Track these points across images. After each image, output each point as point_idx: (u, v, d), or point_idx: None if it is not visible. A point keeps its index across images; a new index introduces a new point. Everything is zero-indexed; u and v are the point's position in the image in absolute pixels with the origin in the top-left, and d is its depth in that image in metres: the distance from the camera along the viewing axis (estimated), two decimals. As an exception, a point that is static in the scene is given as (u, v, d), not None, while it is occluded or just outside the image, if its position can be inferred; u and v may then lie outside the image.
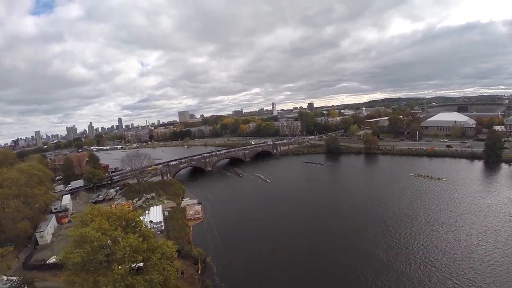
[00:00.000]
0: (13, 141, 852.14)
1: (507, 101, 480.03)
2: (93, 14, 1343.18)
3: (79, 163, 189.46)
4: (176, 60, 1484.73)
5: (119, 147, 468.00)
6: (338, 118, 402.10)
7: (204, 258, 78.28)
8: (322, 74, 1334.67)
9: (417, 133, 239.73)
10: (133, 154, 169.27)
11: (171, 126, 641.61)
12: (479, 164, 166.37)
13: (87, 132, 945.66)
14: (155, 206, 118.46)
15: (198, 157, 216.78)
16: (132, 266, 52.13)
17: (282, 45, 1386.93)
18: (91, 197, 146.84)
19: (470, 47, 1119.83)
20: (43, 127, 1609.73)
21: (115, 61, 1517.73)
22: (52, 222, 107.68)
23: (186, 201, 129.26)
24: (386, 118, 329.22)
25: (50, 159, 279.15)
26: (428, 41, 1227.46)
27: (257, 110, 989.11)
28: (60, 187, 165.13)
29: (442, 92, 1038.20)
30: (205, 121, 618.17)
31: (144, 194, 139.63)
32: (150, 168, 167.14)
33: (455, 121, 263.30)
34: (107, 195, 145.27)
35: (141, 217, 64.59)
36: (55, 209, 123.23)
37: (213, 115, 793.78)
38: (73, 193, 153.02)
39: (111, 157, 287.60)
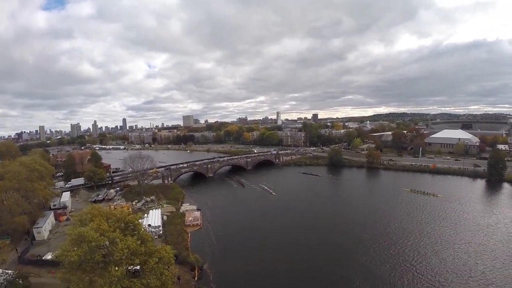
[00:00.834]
0: (16, 133, 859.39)
1: (511, 120, 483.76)
2: (104, 13, 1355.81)
3: (81, 161, 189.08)
4: (183, 64, 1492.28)
5: (121, 147, 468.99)
6: (342, 131, 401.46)
7: (201, 265, 77.60)
8: (328, 86, 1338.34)
9: (420, 149, 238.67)
10: (135, 155, 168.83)
11: (175, 130, 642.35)
12: (481, 183, 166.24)
13: (91, 130, 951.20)
14: (154, 210, 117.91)
15: (200, 162, 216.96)
16: (129, 268, 51.60)
17: (289, 55, 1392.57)
18: (91, 196, 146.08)
19: (476, 64, 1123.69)
20: (47, 122, 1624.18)
21: (123, 61, 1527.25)
22: (50, 218, 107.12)
23: (185, 207, 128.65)
24: (390, 132, 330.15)
25: (53, 154, 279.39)
26: (434, 57, 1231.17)
27: (261, 118, 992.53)
28: (60, 184, 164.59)
29: (447, 108, 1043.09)
30: (209, 126, 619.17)
31: (144, 197, 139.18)
32: (151, 171, 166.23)
33: (459, 138, 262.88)
34: (106, 195, 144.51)
35: (140, 220, 64.07)
36: (54, 205, 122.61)
37: (217, 121, 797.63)
38: (73, 190, 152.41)
39: (113, 157, 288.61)
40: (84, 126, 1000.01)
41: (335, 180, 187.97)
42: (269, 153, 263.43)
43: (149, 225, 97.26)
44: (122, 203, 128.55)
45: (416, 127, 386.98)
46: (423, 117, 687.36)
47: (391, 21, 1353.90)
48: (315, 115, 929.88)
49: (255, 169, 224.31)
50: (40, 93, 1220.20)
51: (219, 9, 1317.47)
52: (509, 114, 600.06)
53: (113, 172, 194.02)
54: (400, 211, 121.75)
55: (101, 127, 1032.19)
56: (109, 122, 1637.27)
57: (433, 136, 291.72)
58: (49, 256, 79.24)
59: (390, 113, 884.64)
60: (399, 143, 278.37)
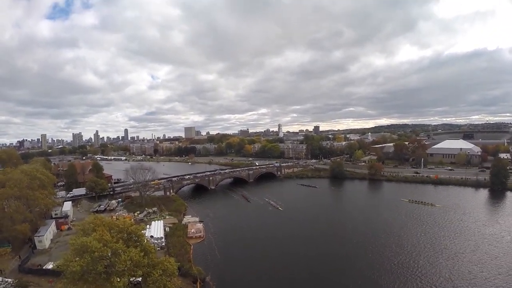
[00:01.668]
0: (18, 141, 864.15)
1: None
2: (108, 24, 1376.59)
3: (83, 171, 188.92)
4: (186, 76, 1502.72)
5: (123, 158, 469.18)
6: (344, 143, 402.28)
7: (203, 277, 76.44)
8: (329, 98, 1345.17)
9: (422, 160, 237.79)
10: (137, 166, 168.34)
11: (177, 142, 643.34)
12: (484, 192, 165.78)
13: (93, 140, 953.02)
14: (156, 221, 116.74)
15: (202, 174, 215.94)
16: (131, 280, 51.64)
17: (290, 67, 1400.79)
18: (92, 206, 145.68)
19: (477, 74, 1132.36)
20: (49, 130, 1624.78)
21: (126, 72, 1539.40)
22: (52, 227, 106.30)
23: (188, 218, 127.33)
24: (391, 144, 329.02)
25: (54, 163, 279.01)
26: (435, 67, 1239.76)
27: (263, 130, 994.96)
28: (61, 193, 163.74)
29: (448, 119, 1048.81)
30: (211, 138, 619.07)
31: (146, 208, 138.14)
32: (153, 182, 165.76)
33: (461, 148, 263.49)
34: (108, 206, 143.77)
35: (142, 231, 63.32)
36: (56, 214, 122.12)
37: (219, 133, 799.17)
38: (75, 200, 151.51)
39: (115, 168, 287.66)
40: (86, 136, 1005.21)
41: (338, 192, 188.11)
42: (271, 165, 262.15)
43: (152, 236, 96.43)
44: (124, 214, 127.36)
45: (418, 138, 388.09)
46: (424, 128, 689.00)
47: (391, 32, 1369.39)
48: (316, 127, 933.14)
49: (257, 182, 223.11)
50: (43, 102, 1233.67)
51: (221, 21, 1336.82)
52: (510, 123, 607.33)
53: (114, 183, 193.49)
54: (400, 221, 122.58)
55: (103, 137, 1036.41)
56: (111, 133, 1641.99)
57: (434, 147, 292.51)
58: (50, 266, 77.99)
59: (392, 124, 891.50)
60: (401, 154, 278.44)
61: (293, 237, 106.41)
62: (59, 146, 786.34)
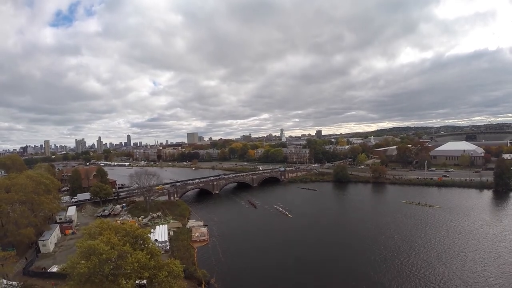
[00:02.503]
0: (21, 147, 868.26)
1: None
2: (110, 31, 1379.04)
3: (87, 176, 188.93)
4: (188, 82, 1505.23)
5: (126, 164, 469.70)
6: (347, 147, 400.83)
7: (208, 280, 77.10)
8: (331, 102, 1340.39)
9: (425, 163, 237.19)
10: (141, 172, 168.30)
11: (180, 147, 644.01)
12: (488, 194, 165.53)
13: (96, 146, 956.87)
14: (160, 225, 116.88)
15: (205, 179, 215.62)
16: (136, 282, 51.65)
17: (292, 72, 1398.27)
18: (97, 211, 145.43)
19: (479, 75, 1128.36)
20: (52, 137, 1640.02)
21: (128, 78, 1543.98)
22: (56, 232, 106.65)
23: (192, 223, 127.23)
24: (394, 147, 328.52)
25: (58, 169, 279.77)
26: (436, 69, 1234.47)
27: (265, 135, 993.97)
28: (66, 198, 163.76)
29: (450, 121, 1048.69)
30: (214, 144, 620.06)
31: (150, 213, 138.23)
32: (157, 188, 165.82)
33: (464, 150, 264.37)
34: (113, 210, 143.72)
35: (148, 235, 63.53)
36: (60, 219, 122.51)
37: (221, 138, 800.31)
38: (79, 205, 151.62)
39: (118, 173, 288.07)
40: (88, 142, 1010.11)
41: (342, 196, 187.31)
42: (275, 170, 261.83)
43: (156, 240, 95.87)
44: (128, 219, 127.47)
45: (421, 140, 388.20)
46: (427, 131, 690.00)
47: (392, 35, 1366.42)
48: (318, 132, 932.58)
49: (261, 186, 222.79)
50: (46, 108, 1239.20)
51: (222, 27, 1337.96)
52: None
53: (119, 188, 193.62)
54: (403, 223, 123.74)
55: (106, 143, 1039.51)
56: (113, 139, 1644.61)
57: (438, 149, 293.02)
58: (54, 269, 78.35)
59: (394, 127, 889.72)
60: (404, 157, 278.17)
61: (299, 242, 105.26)
62: (62, 152, 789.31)
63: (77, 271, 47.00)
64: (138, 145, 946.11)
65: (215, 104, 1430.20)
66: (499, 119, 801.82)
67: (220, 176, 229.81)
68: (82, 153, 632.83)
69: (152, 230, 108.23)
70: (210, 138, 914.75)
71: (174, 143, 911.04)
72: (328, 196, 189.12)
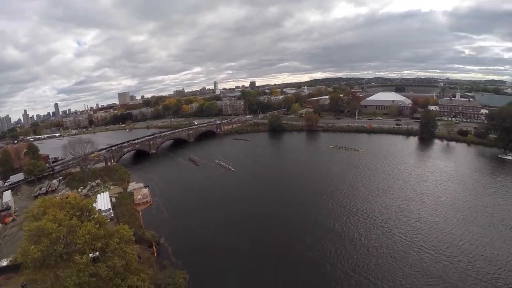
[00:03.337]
0: None
1: (441, 84, 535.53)
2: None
3: (17, 155, 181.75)
4: (115, 39, 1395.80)
5: (57, 135, 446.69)
6: (281, 97, 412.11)
7: (157, 240, 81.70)
8: (264, 53, 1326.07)
9: (356, 112, 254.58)
10: (74, 141, 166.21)
11: (111, 110, 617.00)
12: (414, 140, 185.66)
13: (22, 121, 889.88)
14: (101, 194, 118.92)
15: (141, 140, 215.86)
16: (90, 255, 51.81)
17: (225, 24, 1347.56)
18: (33, 190, 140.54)
19: (410, 33, 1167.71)
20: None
21: (50, 41, 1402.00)
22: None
23: (132, 185, 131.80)
24: (327, 97, 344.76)
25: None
26: (369, 25, 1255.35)
27: (198, 89, 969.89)
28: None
29: (381, 73, 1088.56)
30: (146, 102, 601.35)
31: (89, 182, 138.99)
32: (93, 155, 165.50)
33: (393, 100, 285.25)
34: (50, 187, 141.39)
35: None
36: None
37: (154, 95, 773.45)
38: (14, 188, 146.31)
39: (50, 146, 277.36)
40: (14, 118, 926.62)
41: (278, 145, 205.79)
42: (211, 123, 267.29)
43: (100, 209, 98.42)
44: (67, 192, 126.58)
45: (352, 90, 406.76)
46: (358, 81, 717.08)
47: None
48: (252, 83, 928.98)
49: (198, 141, 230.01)
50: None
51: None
52: (439, 78, 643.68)
53: (52, 162, 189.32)
54: (334, 167, 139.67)
55: (33, 116, 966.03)
56: (40, 110, 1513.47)
57: (368, 99, 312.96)
58: (4, 263, 75.05)
59: (327, 78, 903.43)
60: (336, 106, 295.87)
61: (244, 197, 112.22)
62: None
63: (30, 258, 45.98)
64: (68, 112, 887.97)
65: (144, 60, 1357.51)
66: (427, 73, 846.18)
67: (156, 135, 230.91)
68: (9, 131, 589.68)
69: (95, 200, 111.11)
70: (142, 97, 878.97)
71: (105, 105, 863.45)
72: (264, 145, 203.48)
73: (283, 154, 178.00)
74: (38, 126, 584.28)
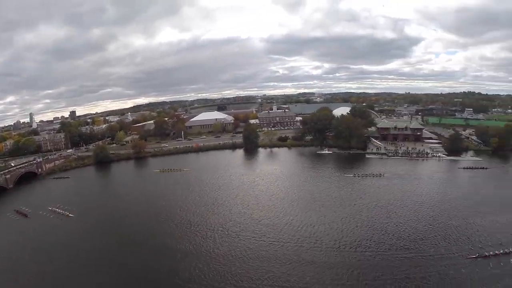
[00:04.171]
0: None
1: (259, 100, 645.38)
2: None
3: None
4: None
5: None
6: (104, 126, 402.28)
7: None
8: (85, 79, 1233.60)
9: (182, 133, 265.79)
10: None
11: None
12: (240, 152, 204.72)
13: None
14: None
15: None
16: None
17: (44, 44, 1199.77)
18: None
19: (230, 57, 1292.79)
20: None
21: None
22: None
23: None
24: (152, 121, 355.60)
25: None
26: (192, 49, 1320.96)
27: (12, 123, 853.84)
28: None
29: (204, 94, 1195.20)
30: None
31: None
32: None
33: (216, 118, 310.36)
34: None
35: None
36: None
37: None
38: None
39: None
40: None
41: (107, 178, 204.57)
42: (31, 162, 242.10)
43: None
44: None
45: (176, 113, 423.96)
46: (182, 104, 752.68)
47: (154, 14, 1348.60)
48: (72, 112, 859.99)
49: (18, 186, 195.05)
50: None
51: None
52: (257, 96, 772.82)
53: None
54: (163, 189, 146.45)
55: None
56: None
57: (192, 119, 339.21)
58: None
59: (150, 103, 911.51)
60: (162, 130, 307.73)
61: (84, 243, 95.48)
62: None
63: None
64: None
65: None
66: (246, 92, 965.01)
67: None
68: None
69: None
70: None
71: None
72: (92, 181, 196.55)
73: (114, 188, 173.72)
74: None
